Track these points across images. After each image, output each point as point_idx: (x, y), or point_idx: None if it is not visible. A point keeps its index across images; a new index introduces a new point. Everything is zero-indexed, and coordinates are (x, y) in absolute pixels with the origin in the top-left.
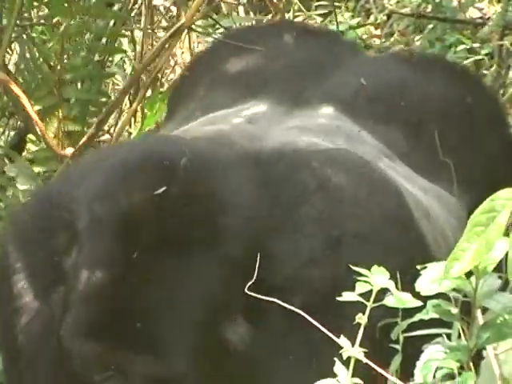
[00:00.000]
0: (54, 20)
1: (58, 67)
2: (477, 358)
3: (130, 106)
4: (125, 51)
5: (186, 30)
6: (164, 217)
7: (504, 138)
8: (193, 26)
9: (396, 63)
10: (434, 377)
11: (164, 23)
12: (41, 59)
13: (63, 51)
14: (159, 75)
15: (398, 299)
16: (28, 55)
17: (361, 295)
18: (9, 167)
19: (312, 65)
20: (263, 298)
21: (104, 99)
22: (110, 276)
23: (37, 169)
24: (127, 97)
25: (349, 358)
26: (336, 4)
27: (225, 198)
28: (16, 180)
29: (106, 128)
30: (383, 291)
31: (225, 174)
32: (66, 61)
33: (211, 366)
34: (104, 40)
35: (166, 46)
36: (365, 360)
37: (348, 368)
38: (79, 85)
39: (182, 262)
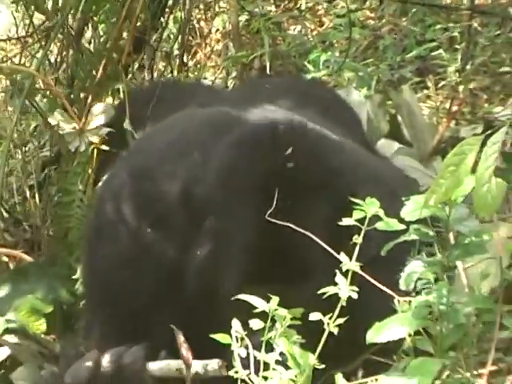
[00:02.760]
0: None
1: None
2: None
3: None
4: None
5: None
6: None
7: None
8: None
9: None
10: (415, 285)
11: None
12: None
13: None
14: None
15: (387, 223)
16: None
17: (357, 221)
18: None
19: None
20: None
21: None
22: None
23: None
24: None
25: (347, 271)
26: None
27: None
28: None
29: None
30: None
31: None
32: None
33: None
34: None
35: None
36: (360, 272)
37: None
38: None
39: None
